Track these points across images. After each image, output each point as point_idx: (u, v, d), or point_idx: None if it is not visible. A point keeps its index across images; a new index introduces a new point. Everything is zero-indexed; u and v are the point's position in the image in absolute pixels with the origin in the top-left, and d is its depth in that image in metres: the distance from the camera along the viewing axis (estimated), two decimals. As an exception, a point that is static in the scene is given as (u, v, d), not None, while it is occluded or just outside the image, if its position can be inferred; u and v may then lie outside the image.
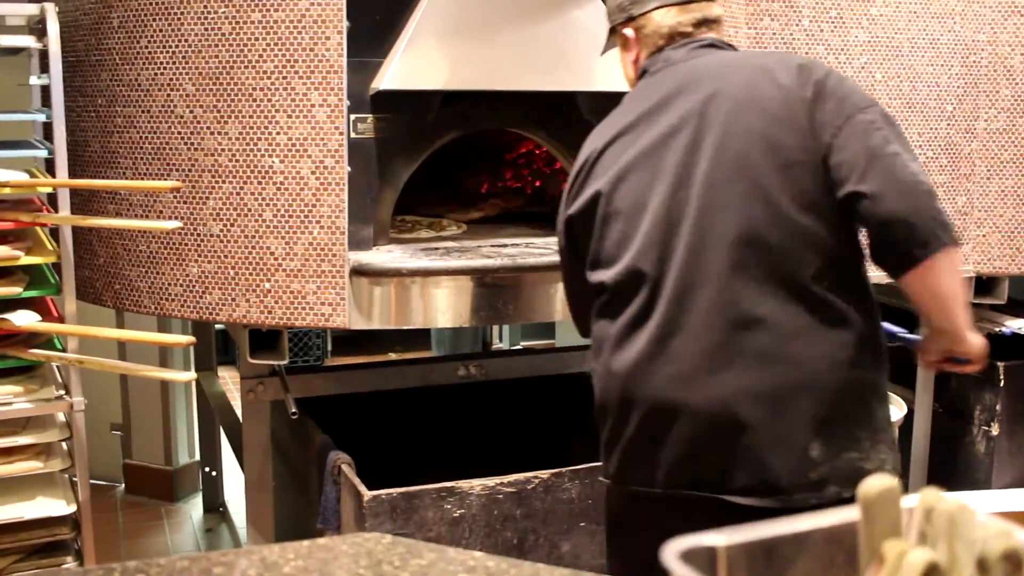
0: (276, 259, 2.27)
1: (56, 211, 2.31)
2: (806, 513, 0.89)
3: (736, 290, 1.59)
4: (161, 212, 2.34)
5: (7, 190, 2.25)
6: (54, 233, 2.43)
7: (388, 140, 2.48)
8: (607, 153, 1.74)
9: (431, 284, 2.34)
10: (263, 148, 2.24)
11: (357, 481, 2.19)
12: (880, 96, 2.67)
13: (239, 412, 2.86)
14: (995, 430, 3.07)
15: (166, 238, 2.34)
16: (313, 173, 2.24)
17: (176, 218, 2.30)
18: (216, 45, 2.24)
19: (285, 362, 2.41)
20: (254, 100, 2.24)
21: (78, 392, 2.34)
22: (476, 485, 2.19)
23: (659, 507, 1.64)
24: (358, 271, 2.30)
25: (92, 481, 2.44)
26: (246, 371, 2.52)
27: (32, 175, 2.50)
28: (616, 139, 1.74)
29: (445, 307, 2.37)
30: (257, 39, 2.22)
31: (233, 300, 2.31)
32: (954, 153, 2.85)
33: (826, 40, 2.66)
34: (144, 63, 2.32)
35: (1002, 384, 3.04)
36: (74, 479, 2.40)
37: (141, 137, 2.35)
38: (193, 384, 3.82)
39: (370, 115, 2.45)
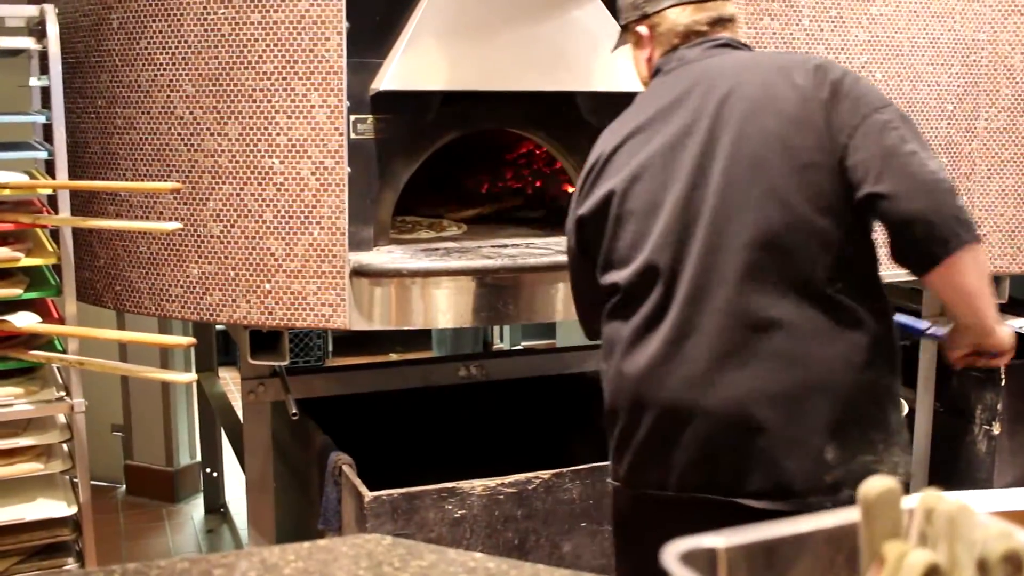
0: (276, 260, 2.27)
1: (56, 212, 2.31)
2: None
3: (751, 292, 1.57)
4: (161, 213, 2.34)
5: (7, 192, 2.25)
6: (54, 234, 2.43)
7: (388, 141, 2.48)
8: (620, 153, 1.72)
9: (432, 285, 2.34)
10: (263, 149, 2.24)
11: (358, 482, 2.19)
12: (880, 95, 2.67)
13: (240, 413, 2.85)
14: (996, 429, 3.07)
15: (166, 239, 2.34)
16: (313, 174, 2.24)
17: (176, 219, 2.30)
18: (216, 46, 2.24)
19: (286, 363, 2.41)
20: (254, 101, 2.24)
21: (79, 393, 2.34)
22: (477, 486, 2.18)
23: (671, 510, 1.62)
24: (359, 272, 2.30)
25: (93, 482, 2.44)
26: (247, 372, 2.52)
27: (32, 177, 2.50)
28: (629, 138, 1.72)
29: (446, 308, 2.37)
30: (257, 40, 2.22)
31: (234, 301, 2.31)
32: (954, 152, 2.85)
33: (826, 40, 2.66)
34: (144, 64, 2.32)
35: (1003, 383, 3.04)
36: (75, 480, 2.40)
37: (141, 138, 2.35)
38: (194, 385, 3.82)
39: (370, 116, 2.45)
